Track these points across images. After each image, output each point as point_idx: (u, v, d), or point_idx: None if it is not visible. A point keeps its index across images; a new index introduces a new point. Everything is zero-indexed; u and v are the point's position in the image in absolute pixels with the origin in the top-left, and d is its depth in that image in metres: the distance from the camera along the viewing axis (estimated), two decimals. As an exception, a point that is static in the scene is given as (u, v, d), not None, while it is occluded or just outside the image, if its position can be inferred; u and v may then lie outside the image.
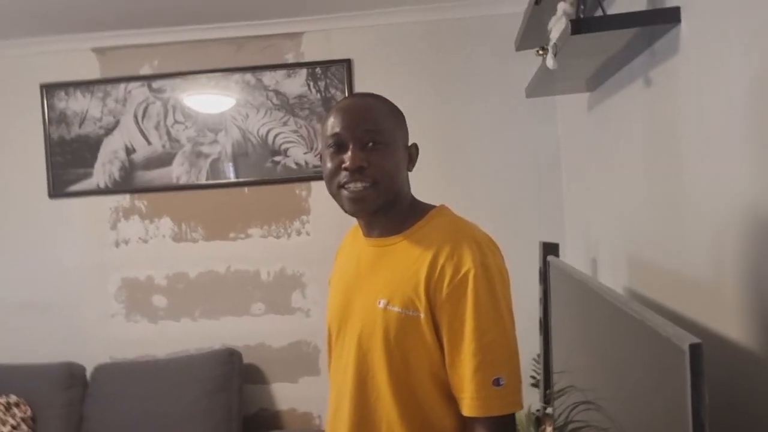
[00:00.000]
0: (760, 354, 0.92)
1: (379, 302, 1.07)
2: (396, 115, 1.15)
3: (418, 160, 1.19)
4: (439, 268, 1.04)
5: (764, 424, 0.90)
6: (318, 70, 2.71)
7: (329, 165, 1.10)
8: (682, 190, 1.23)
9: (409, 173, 1.18)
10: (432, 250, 1.06)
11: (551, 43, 1.40)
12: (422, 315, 1.04)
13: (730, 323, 1.01)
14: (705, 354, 0.62)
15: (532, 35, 1.98)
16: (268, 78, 2.73)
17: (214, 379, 2.54)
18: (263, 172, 2.74)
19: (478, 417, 1.02)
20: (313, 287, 2.74)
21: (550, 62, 1.41)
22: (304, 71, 2.72)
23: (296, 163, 2.73)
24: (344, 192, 1.09)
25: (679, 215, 1.24)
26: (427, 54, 2.67)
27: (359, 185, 1.07)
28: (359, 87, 2.69)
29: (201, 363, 2.60)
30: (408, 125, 1.19)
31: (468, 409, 1.03)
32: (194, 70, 2.75)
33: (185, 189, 2.77)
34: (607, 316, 0.99)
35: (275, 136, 2.73)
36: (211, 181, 2.75)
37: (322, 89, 2.70)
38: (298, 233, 2.76)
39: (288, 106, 2.72)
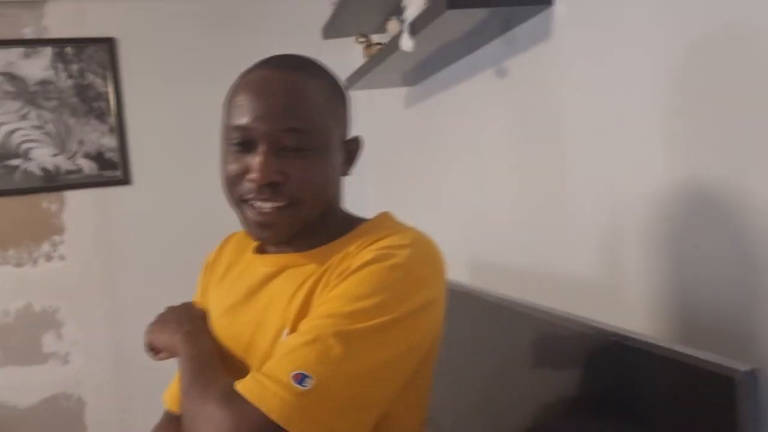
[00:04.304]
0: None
1: (284, 334, 0.74)
2: (336, 99, 0.80)
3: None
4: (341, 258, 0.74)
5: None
6: (69, 49, 2.14)
7: (231, 168, 0.75)
8: (558, 189, 1.16)
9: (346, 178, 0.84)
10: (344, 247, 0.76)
11: (407, 22, 1.23)
12: None
13: (630, 318, 0.95)
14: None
15: (343, 21, 1.81)
16: (-3, 56, 2.07)
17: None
18: (-7, 181, 2.07)
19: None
20: (72, 325, 2.16)
21: (407, 44, 1.23)
22: (48, 50, 2.12)
23: (42, 169, 2.12)
24: (248, 212, 0.75)
25: (558, 215, 1.17)
26: (212, 39, 2.29)
27: (269, 205, 0.74)
28: (128, 73, 2.19)
29: None
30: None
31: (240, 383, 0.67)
32: None
33: None
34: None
35: (10, 134, 2.09)
36: None
37: (76, 74, 2.14)
38: (48, 258, 2.15)
39: (27, 94, 2.10)
